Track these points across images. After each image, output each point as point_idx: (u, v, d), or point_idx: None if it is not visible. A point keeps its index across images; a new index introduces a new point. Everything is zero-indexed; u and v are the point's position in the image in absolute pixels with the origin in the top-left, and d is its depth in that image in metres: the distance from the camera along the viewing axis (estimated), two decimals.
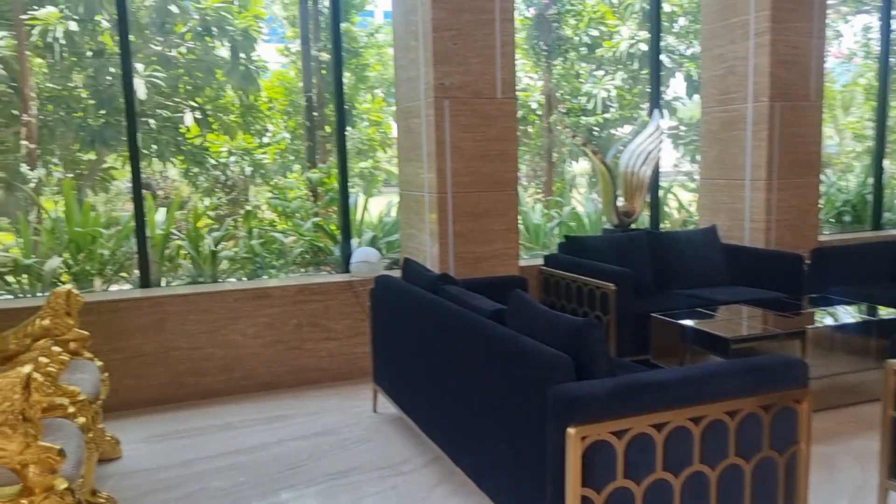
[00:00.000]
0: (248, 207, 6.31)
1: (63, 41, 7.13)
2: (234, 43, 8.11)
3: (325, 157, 8.32)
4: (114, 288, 4.82)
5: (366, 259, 4.65)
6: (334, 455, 3.37)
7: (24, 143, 7.25)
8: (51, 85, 7.77)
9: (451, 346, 2.84)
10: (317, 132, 8.47)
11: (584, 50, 9.90)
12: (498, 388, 2.41)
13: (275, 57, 9.60)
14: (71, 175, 8.80)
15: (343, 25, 8.87)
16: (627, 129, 9.88)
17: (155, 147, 8.80)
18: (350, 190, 4.98)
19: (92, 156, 8.81)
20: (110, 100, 7.65)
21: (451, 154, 4.32)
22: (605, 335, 4.23)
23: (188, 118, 8.67)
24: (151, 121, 8.59)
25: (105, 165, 9.10)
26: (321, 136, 8.48)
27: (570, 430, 2.00)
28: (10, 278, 4.51)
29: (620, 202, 5.16)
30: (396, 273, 4.36)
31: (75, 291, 3.28)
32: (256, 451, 3.43)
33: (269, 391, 4.36)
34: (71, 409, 2.50)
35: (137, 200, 4.48)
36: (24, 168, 7.21)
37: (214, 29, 8.04)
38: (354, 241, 5.12)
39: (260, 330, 4.42)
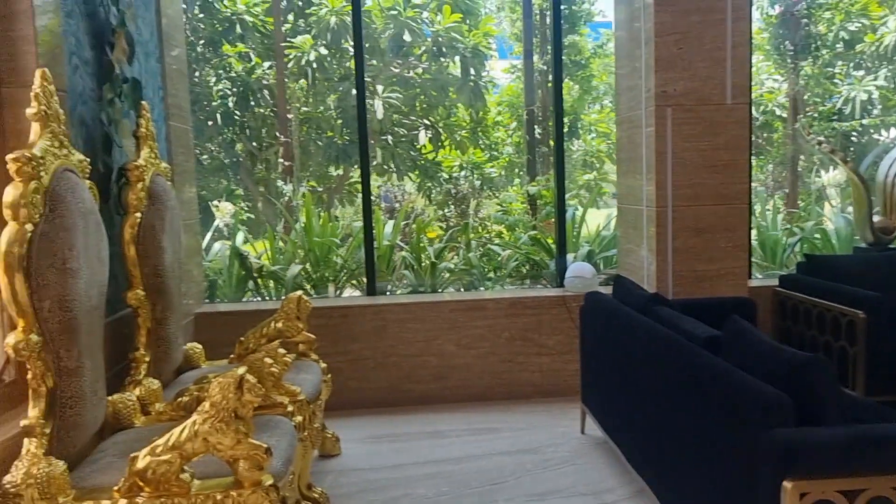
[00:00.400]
0: (467, 220, 6.47)
1: (315, 66, 7.89)
2: (465, 61, 8.42)
3: (547, 171, 8.31)
4: (345, 294, 5.20)
5: (580, 274, 4.53)
6: (536, 475, 3.31)
7: (280, 161, 8.14)
8: (305, 109, 8.64)
9: (658, 372, 2.64)
10: (540, 146, 8.49)
11: (839, 47, 8.86)
12: (706, 424, 2.19)
13: (502, 74, 9.81)
14: (321, 189, 9.70)
15: (571, 38, 8.81)
16: (894, 133, 8.65)
17: (393, 163, 9.41)
18: (569, 203, 4.90)
19: (340, 171, 9.65)
20: (354, 120, 8.34)
21: (672, 165, 4.06)
22: (851, 370, 3.70)
23: (422, 135, 9.15)
24: (389, 138, 9.19)
25: (351, 180, 9.88)
26: (545, 150, 8.49)
27: (787, 484, 1.75)
28: (259, 282, 5.04)
29: (877, 217, 4.51)
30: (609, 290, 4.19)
31: (305, 297, 3.57)
32: (461, 462, 3.48)
33: (480, 402, 4.40)
34: (290, 408, 2.71)
35: (366, 213, 4.78)
36: (280, 183, 8.09)
37: (445, 49, 8.40)
38: (570, 256, 5.03)
39: (473, 341, 4.49)
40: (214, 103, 8.01)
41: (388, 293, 5.13)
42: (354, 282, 5.21)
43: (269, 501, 1.95)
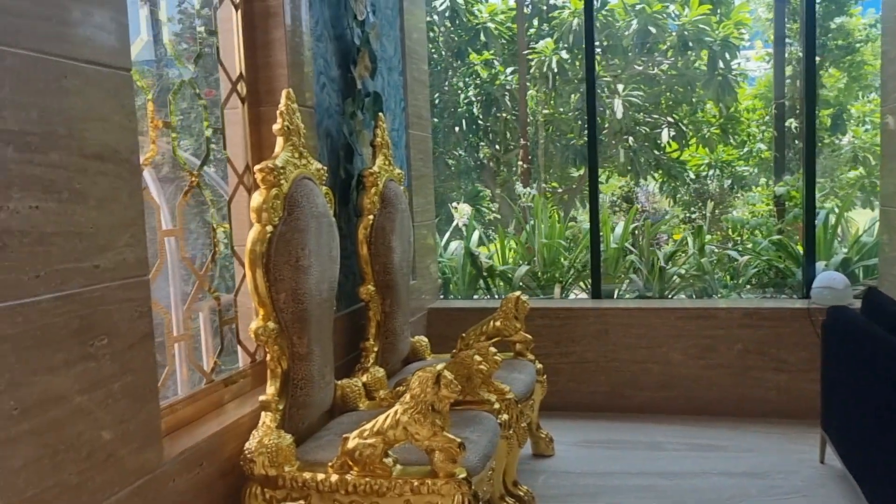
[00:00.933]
0: (701, 223, 6.11)
1: (556, 70, 7.98)
2: (713, 54, 7.94)
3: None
4: (571, 296, 5.21)
5: (830, 285, 4.07)
6: (760, 502, 3.05)
7: (520, 163, 8.35)
8: (546, 111, 8.76)
9: None
10: (796, 141, 7.74)
11: None
12: None
13: (753, 64, 9.08)
14: (561, 190, 9.77)
15: (839, 20, 7.90)
16: None
17: (633, 164, 9.18)
18: (824, 205, 4.43)
19: (581, 172, 9.64)
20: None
21: None
22: None
23: (665, 134, 8.81)
24: (631, 138, 8.98)
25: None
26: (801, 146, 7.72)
27: None
28: (489, 281, 5.24)
29: None
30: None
31: (523, 298, 3.65)
32: (676, 478, 3.33)
33: (704, 417, 4.15)
34: (496, 406, 2.80)
35: (593, 215, 4.74)
36: (518, 186, 8.30)
37: (692, 42, 8.00)
38: (820, 264, 4.53)
39: (701, 351, 4.25)
40: (460, 109, 8.44)
41: (615, 297, 5.04)
42: (582, 284, 5.20)
43: (461, 493, 2.06)
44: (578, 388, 4.40)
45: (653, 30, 7.67)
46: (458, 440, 2.07)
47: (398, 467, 2.15)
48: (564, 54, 7.92)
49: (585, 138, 8.64)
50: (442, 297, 5.22)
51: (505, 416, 2.82)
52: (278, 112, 2.45)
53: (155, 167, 2.65)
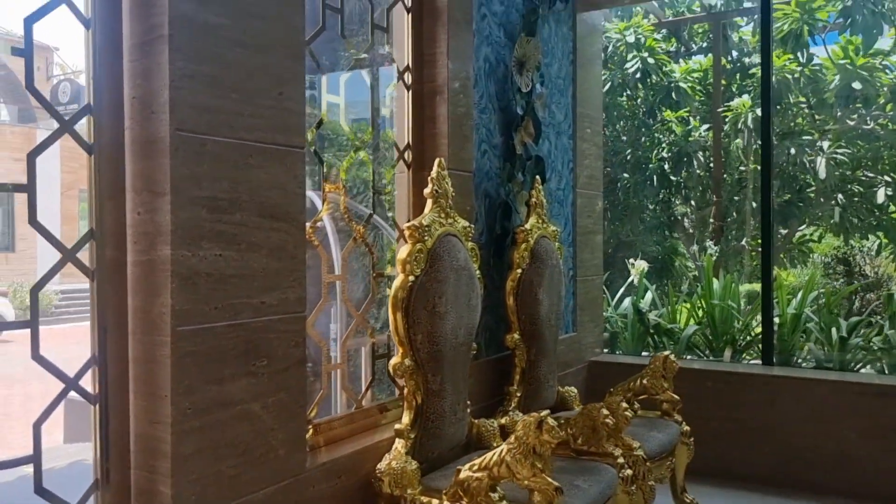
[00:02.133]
0: (892, 291, 5.57)
1: (751, 126, 7.74)
2: None
3: None
4: (745, 361, 5.04)
5: None
6: None
7: (712, 220, 8.14)
8: (742, 168, 8.49)
9: None
10: None
11: None
12: None
13: None
14: (748, 248, 9.31)
15: None
16: None
17: (844, 220, 8.56)
18: None
19: (785, 230, 9.15)
20: (792, 179, 7.88)
21: None
22: None
23: (881, 193, 8.14)
24: (840, 196, 8.40)
25: (803, 238, 9.27)
26: None
27: None
28: (656, 339, 5.24)
29: None
30: None
31: (672, 357, 3.69)
32: None
33: None
34: (620, 460, 2.91)
35: (765, 277, 4.60)
36: (709, 243, 8.09)
37: None
38: None
39: (884, 432, 3.94)
40: (652, 165, 8.46)
41: (793, 364, 4.80)
42: (752, 349, 5.02)
43: None
44: (739, 456, 4.26)
45: (857, 85, 7.19)
46: (555, 484, 2.24)
47: (504, 503, 2.36)
48: (759, 110, 7.66)
49: (786, 196, 8.27)
50: (607, 351, 5.30)
51: (629, 472, 2.91)
52: (429, 178, 2.84)
53: (333, 219, 3.16)
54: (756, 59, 8.07)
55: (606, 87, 8.28)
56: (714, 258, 8.12)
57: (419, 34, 3.27)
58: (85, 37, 1.93)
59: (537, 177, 3.77)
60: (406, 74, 3.23)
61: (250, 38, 2.14)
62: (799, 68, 7.82)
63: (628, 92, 8.53)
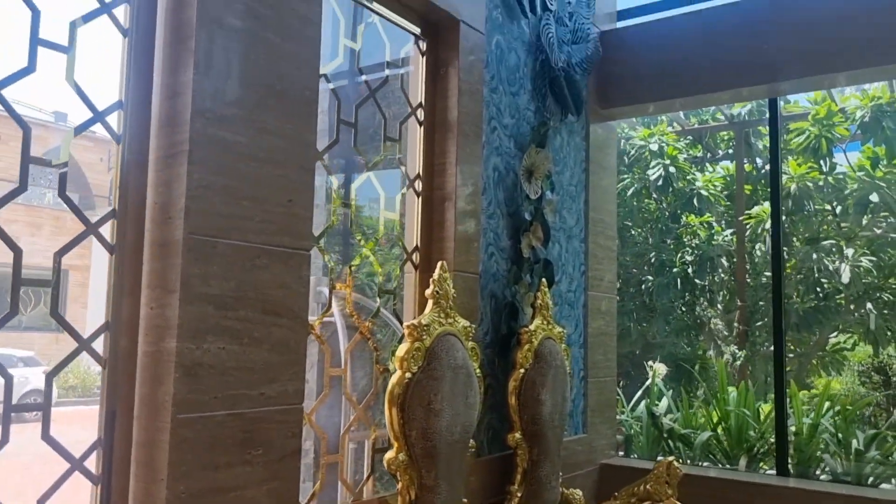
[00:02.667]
0: None
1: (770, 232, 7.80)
2: None
3: None
4: (762, 470, 4.95)
5: None
6: None
7: (736, 325, 8.11)
8: (767, 274, 8.50)
9: None
10: None
11: None
12: None
13: None
14: (792, 355, 9.18)
15: None
16: None
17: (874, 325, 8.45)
18: None
19: (815, 336, 9.03)
20: (816, 285, 7.85)
21: None
22: None
23: None
24: (869, 304, 8.33)
25: (835, 346, 9.12)
26: None
27: None
28: (671, 444, 5.19)
29: None
30: None
31: (676, 464, 3.69)
32: None
33: None
34: None
35: (778, 386, 4.59)
36: (733, 348, 8.03)
37: None
38: None
39: None
40: (675, 269, 8.54)
41: (811, 476, 4.71)
42: (767, 458, 4.94)
43: None
44: None
45: (875, 198, 7.26)
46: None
47: None
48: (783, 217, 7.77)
49: (810, 302, 8.22)
50: (622, 454, 5.26)
51: None
52: (431, 280, 3.01)
53: (343, 315, 3.33)
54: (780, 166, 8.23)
55: (630, 191, 8.50)
56: (739, 363, 8.04)
57: (431, 145, 3.52)
58: (116, 150, 2.20)
59: (543, 279, 3.91)
60: (417, 182, 3.47)
61: (264, 153, 2.38)
62: (822, 176, 7.95)
63: (654, 196, 8.73)
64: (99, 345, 2.15)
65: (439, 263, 3.06)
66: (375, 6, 3.24)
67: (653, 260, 8.67)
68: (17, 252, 1.95)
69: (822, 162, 7.90)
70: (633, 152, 8.63)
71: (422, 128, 3.49)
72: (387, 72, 3.38)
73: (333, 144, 2.96)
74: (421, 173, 3.48)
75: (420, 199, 3.47)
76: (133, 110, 2.23)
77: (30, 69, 2.00)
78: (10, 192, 1.95)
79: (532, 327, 3.69)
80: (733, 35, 4.58)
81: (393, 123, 3.37)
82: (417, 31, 3.50)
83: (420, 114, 3.49)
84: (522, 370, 3.58)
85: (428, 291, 2.99)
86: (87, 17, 2.17)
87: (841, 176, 8.26)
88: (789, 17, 4.41)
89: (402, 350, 2.81)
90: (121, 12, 2.24)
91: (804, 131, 7.53)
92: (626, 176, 8.53)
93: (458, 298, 3.19)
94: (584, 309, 4.75)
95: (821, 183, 8.20)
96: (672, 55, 4.77)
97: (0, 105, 1.97)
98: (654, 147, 8.30)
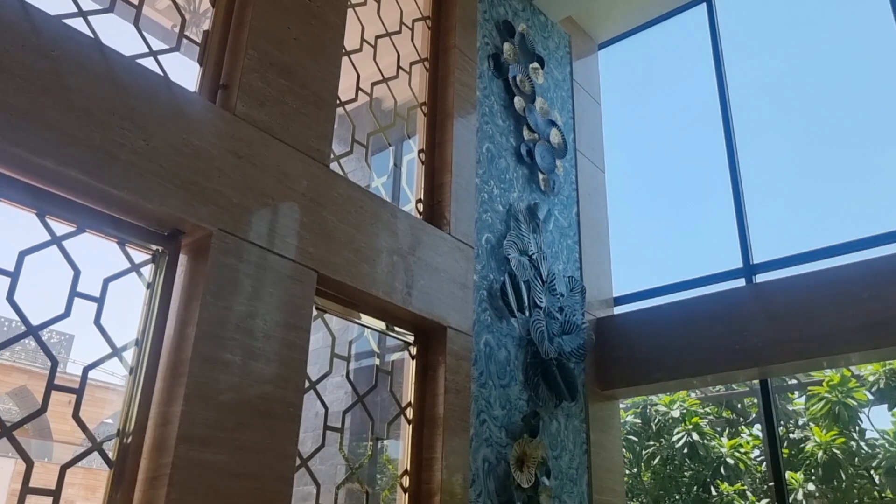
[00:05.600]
0: None
1: (802, 501, 7.49)
2: None
3: None
4: None
5: None
6: None
7: None
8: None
9: None
10: None
11: None
12: None
13: None
14: None
15: None
16: None
17: None
18: None
19: None
20: None
21: None
22: None
23: None
24: None
25: None
26: None
27: None
28: None
29: None
30: None
31: None
32: None
33: None
34: None
35: None
36: None
37: None
38: None
39: None
40: None
41: None
42: None
43: None
44: None
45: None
46: None
47: None
48: (811, 486, 7.48)
49: None
50: None
51: None
52: None
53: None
54: (807, 432, 8.12)
55: (657, 459, 8.39)
56: None
57: (419, 440, 3.75)
58: (108, 476, 2.50)
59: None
60: (405, 478, 3.65)
61: (243, 468, 2.66)
62: (852, 443, 7.77)
63: (684, 462, 8.57)
64: None
65: None
66: (369, 321, 3.69)
67: None
68: None
69: (850, 428, 7.78)
70: (657, 419, 8.65)
71: (410, 425, 3.75)
72: (375, 378, 3.74)
73: (318, 450, 3.23)
74: (408, 469, 3.67)
75: (407, 495, 3.63)
76: (133, 438, 2.57)
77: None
78: None
79: None
80: (717, 322, 4.91)
81: (381, 425, 3.66)
82: (410, 339, 3.91)
83: (409, 412, 3.77)
84: None
85: None
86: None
87: (877, 441, 8.05)
88: (767, 305, 4.75)
89: None
90: (130, 354, 2.68)
91: (822, 397, 7.54)
92: (652, 443, 8.47)
93: None
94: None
95: (854, 448, 7.99)
96: (662, 340, 5.09)
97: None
98: (676, 414, 8.33)
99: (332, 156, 3.56)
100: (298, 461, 2.93)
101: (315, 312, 3.29)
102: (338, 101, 3.72)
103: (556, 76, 5.75)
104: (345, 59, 3.86)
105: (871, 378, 7.37)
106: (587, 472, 4.90)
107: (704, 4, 6.10)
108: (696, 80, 6.08)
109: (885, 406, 8.10)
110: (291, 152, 3.29)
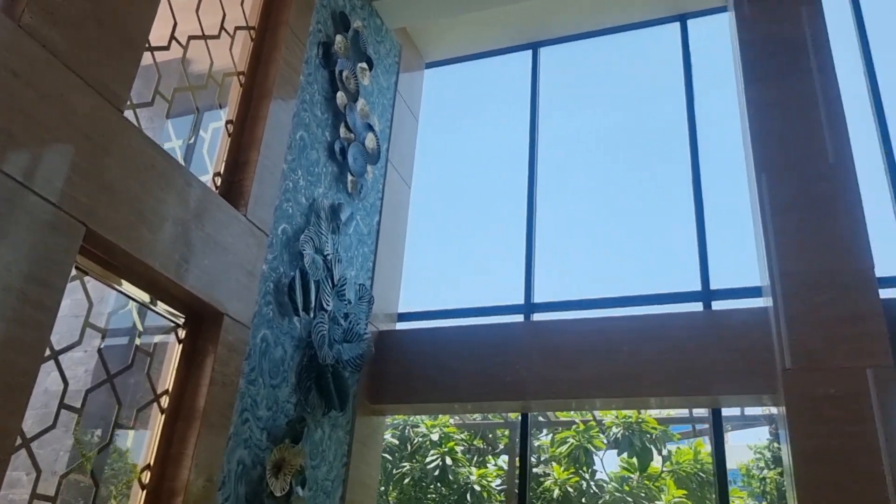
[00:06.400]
0: None
1: None
2: None
3: None
4: None
5: None
6: None
7: None
8: None
9: None
10: None
11: None
12: None
13: None
14: None
15: None
16: None
17: None
18: None
19: None
20: None
21: None
22: None
23: None
24: None
25: None
26: None
27: None
28: None
29: None
30: None
31: None
32: None
33: None
34: None
35: None
36: None
37: None
38: None
39: None
40: None
41: None
42: None
43: None
44: None
45: None
46: None
47: None
48: None
49: None
50: None
51: None
52: None
53: None
54: (548, 469, 8.66)
55: (407, 479, 8.47)
56: None
57: (170, 433, 3.38)
58: None
59: None
60: (145, 472, 3.26)
61: None
62: (583, 483, 8.41)
63: (433, 485, 8.74)
64: None
65: None
66: (135, 292, 3.27)
67: None
68: None
69: (584, 469, 8.43)
70: (416, 440, 8.76)
71: (163, 416, 3.37)
72: (133, 357, 3.32)
73: (47, 430, 2.77)
74: (151, 463, 3.29)
75: (145, 492, 3.24)
76: None
77: None
78: None
79: None
80: (493, 352, 5.03)
81: (129, 411, 3.24)
82: (181, 321, 3.53)
83: (164, 401, 3.39)
84: None
85: None
86: None
87: (603, 483, 8.79)
88: (538, 343, 4.97)
89: None
90: None
91: (567, 440, 8.11)
92: (405, 464, 8.54)
93: None
94: None
95: (584, 487, 8.65)
96: (438, 362, 5.11)
97: None
98: (436, 437, 8.49)
99: (128, 102, 3.14)
100: (20, 441, 2.47)
101: (74, 272, 2.84)
102: (147, 45, 3.31)
103: (381, 82, 5.67)
104: (164, 3, 3.46)
105: (614, 429, 8.07)
106: (342, 485, 4.76)
107: (530, 51, 6.39)
108: (509, 119, 6.31)
109: (616, 451, 8.90)
110: (81, 86, 2.85)
